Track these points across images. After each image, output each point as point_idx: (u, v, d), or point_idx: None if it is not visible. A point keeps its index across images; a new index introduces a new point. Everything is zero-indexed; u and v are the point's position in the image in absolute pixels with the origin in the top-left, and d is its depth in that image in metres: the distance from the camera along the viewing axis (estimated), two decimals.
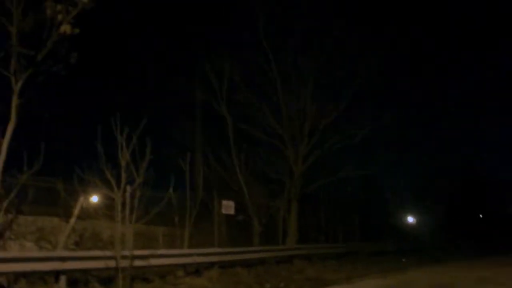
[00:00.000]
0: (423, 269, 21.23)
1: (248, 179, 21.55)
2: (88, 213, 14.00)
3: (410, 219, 33.97)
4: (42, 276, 10.68)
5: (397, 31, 24.21)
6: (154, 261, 12.91)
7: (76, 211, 12.30)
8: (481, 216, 48.40)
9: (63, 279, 10.70)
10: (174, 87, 21.42)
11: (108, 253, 11.65)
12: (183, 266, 14.57)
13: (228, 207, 18.06)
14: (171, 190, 12.55)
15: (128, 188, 11.66)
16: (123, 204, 11.70)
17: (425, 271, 20.20)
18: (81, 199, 12.60)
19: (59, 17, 12.06)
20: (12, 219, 12.66)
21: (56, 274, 10.64)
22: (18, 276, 10.30)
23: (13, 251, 12.33)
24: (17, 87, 12.11)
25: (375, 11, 24.07)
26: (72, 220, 12.34)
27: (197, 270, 14.98)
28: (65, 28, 12.06)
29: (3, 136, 11.87)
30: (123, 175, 11.36)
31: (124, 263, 11.34)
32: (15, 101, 12.08)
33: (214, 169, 21.95)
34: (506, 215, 50.68)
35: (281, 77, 22.70)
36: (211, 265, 15.36)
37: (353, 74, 22.94)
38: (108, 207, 13.08)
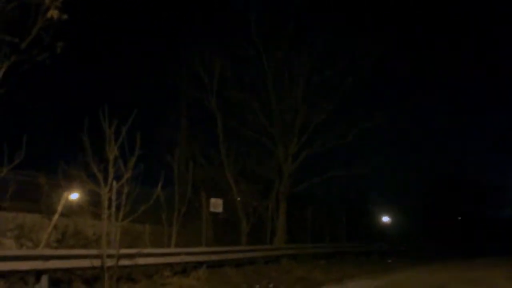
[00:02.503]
0: (411, 269, 21.43)
1: (237, 178, 21.12)
2: (71, 210, 13.46)
3: (388, 219, 34.10)
4: (22, 276, 10.10)
5: (392, 30, 23.98)
6: (140, 260, 12.42)
7: (59, 208, 11.65)
8: (459, 218, 48.34)
9: (44, 278, 10.14)
10: (163, 82, 20.87)
11: (93, 251, 11.12)
12: (170, 265, 14.07)
13: (216, 205, 17.61)
14: (159, 187, 11.96)
15: (115, 183, 11.07)
16: (110, 201, 11.11)
17: (413, 272, 20.29)
18: (65, 194, 11.96)
19: (47, 1, 11.46)
20: None
21: (38, 273, 10.06)
22: None
23: None
24: None
25: (370, 8, 23.65)
26: (55, 217, 11.68)
27: (184, 269, 14.55)
28: (53, 13, 11.42)
29: None
30: (111, 170, 10.75)
31: (110, 262, 10.81)
32: None
33: (201, 167, 21.40)
34: (486, 218, 50.84)
35: (272, 74, 22.28)
36: (199, 264, 14.95)
37: (344, 73, 22.61)
38: (92, 203, 12.54)
